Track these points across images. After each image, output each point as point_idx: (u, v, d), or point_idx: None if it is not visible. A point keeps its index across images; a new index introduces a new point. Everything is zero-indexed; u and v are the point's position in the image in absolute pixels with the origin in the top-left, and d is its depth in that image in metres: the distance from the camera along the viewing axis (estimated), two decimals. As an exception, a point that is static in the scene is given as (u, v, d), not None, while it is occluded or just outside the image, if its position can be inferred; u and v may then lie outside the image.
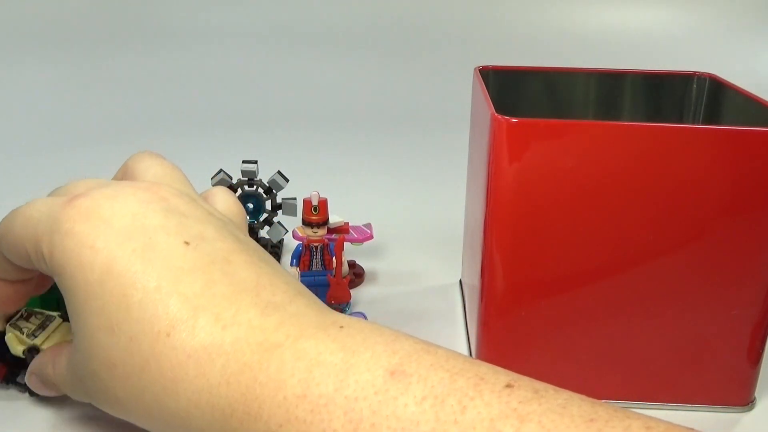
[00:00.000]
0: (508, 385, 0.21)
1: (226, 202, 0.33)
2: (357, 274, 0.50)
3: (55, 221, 0.27)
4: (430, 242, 0.56)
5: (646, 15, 1.09)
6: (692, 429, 0.19)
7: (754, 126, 0.31)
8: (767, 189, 0.32)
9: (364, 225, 0.51)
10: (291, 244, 0.54)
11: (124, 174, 0.33)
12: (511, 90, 0.44)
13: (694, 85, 0.43)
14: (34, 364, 0.33)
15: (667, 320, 0.35)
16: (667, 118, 0.44)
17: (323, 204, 0.46)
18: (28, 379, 0.34)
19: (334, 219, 0.48)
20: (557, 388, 0.22)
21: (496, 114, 0.32)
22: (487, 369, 0.22)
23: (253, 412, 0.23)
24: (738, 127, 0.31)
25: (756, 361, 0.35)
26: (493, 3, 1.09)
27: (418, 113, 0.94)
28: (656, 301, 0.34)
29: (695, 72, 0.43)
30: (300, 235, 0.48)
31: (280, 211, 0.52)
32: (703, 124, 0.43)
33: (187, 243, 0.27)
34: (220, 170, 0.51)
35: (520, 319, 0.35)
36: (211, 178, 0.51)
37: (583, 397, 0.21)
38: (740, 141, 0.31)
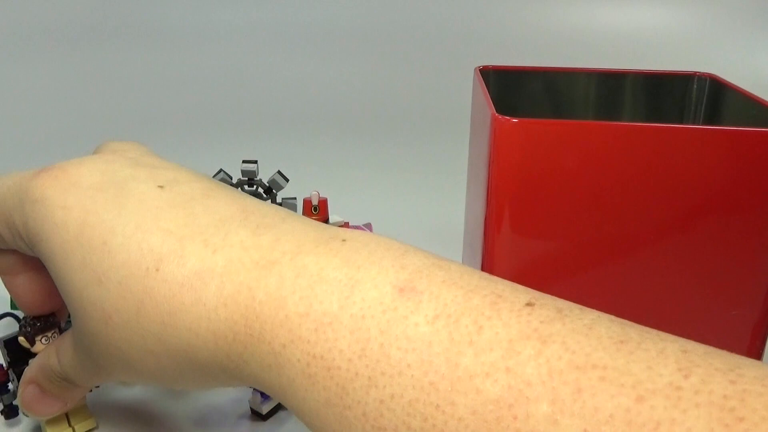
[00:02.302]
0: (529, 304, 0.19)
1: (125, 146, 0.31)
2: (357, 274, 0.50)
3: (24, 193, 0.26)
4: (430, 242, 0.56)
5: (646, 15, 1.09)
6: (733, 354, 0.18)
7: (754, 126, 0.31)
8: (767, 189, 0.32)
9: (364, 225, 0.51)
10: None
11: None
12: (511, 90, 0.44)
13: (695, 85, 0.43)
14: (32, 369, 0.31)
15: (666, 320, 0.35)
16: (667, 118, 0.44)
17: (323, 204, 0.46)
18: (23, 392, 0.31)
19: (334, 219, 0.48)
20: (583, 308, 0.20)
21: (496, 114, 0.32)
22: (504, 286, 0.21)
23: (256, 333, 0.22)
24: (738, 127, 0.31)
25: (756, 361, 0.35)
26: (493, 3, 1.09)
27: (418, 113, 0.94)
28: (656, 301, 0.34)
29: (695, 72, 0.43)
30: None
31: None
32: (703, 124, 0.43)
33: (161, 186, 0.26)
34: (220, 170, 0.51)
35: (520, 319, 0.35)
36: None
37: (612, 317, 0.19)
38: (740, 141, 0.31)
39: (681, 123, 0.44)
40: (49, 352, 0.30)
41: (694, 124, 0.43)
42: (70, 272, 0.25)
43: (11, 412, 0.35)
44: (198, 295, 0.23)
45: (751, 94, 0.37)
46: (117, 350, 0.25)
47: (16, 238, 0.27)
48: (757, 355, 0.35)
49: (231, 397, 0.38)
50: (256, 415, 0.36)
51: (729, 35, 1.06)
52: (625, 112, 0.44)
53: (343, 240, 0.23)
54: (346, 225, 0.49)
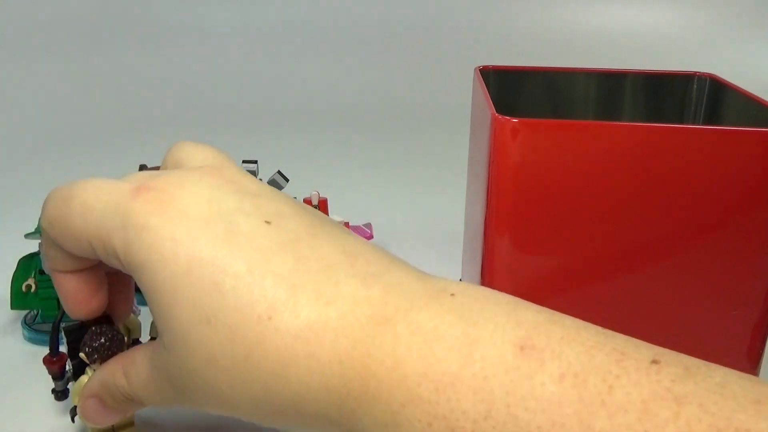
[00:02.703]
0: (654, 361, 0.19)
1: (203, 154, 0.30)
2: (357, 274, 0.50)
3: (126, 216, 0.25)
4: (430, 242, 0.56)
5: (646, 15, 1.09)
6: None
7: (754, 126, 0.31)
8: (767, 189, 0.32)
9: (364, 225, 0.51)
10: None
11: (166, 165, 0.31)
12: (511, 90, 0.44)
13: (695, 85, 0.43)
14: (93, 384, 0.30)
15: (667, 320, 0.35)
16: (667, 118, 0.44)
17: (323, 204, 0.46)
18: (85, 405, 0.31)
19: (334, 219, 0.48)
20: (708, 364, 0.19)
21: (496, 114, 0.32)
22: (625, 342, 0.20)
23: (371, 391, 0.21)
24: (738, 127, 0.31)
25: (756, 361, 0.35)
26: (493, 3, 1.09)
27: (418, 113, 0.94)
28: (656, 301, 0.34)
29: (695, 72, 0.43)
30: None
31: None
32: (703, 124, 0.43)
33: (267, 222, 0.25)
34: (220, 170, 0.51)
35: (520, 319, 0.35)
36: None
37: (740, 373, 0.19)
38: (740, 141, 0.31)
39: (681, 123, 0.44)
40: (114, 371, 0.30)
41: (694, 124, 0.43)
42: (178, 308, 0.24)
43: (62, 395, 0.35)
44: (312, 349, 0.23)
45: (751, 94, 0.37)
46: (215, 390, 0.25)
47: (110, 257, 0.26)
48: (757, 356, 0.35)
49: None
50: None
51: (729, 35, 1.06)
52: (625, 112, 0.44)
53: (452, 294, 0.23)
54: (346, 225, 0.49)
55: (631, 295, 0.34)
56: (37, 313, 0.44)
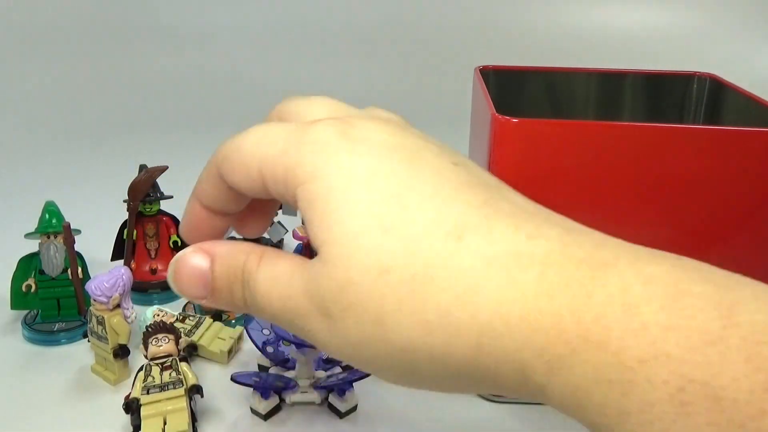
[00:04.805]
0: None
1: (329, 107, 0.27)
2: (357, 274, 0.50)
3: (303, 134, 0.23)
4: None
5: (647, 15, 1.09)
6: None
7: (754, 126, 0.31)
8: (767, 189, 0.32)
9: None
10: (291, 243, 0.54)
11: (271, 118, 0.28)
12: (511, 90, 0.44)
13: (695, 85, 0.43)
14: (221, 246, 0.25)
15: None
16: (667, 118, 0.44)
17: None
18: (190, 254, 0.25)
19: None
20: None
21: (496, 114, 0.32)
22: None
23: (594, 337, 0.18)
24: (738, 127, 0.31)
25: (756, 361, 0.35)
26: (493, 3, 1.09)
27: (418, 113, 0.93)
28: (656, 301, 0.34)
29: (695, 72, 0.43)
30: (300, 234, 0.48)
31: (280, 211, 0.52)
32: (703, 124, 0.43)
33: (455, 164, 0.23)
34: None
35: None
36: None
37: None
38: (740, 141, 0.31)
39: (681, 123, 0.44)
40: (250, 251, 0.25)
41: (694, 124, 0.43)
42: (350, 215, 0.21)
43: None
44: (512, 277, 0.19)
45: (751, 94, 0.37)
46: (377, 308, 0.21)
47: (276, 181, 0.24)
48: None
49: (231, 397, 0.37)
50: (256, 415, 0.36)
51: (729, 35, 1.06)
52: (625, 112, 0.44)
53: (678, 258, 0.20)
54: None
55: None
56: (37, 313, 0.44)
